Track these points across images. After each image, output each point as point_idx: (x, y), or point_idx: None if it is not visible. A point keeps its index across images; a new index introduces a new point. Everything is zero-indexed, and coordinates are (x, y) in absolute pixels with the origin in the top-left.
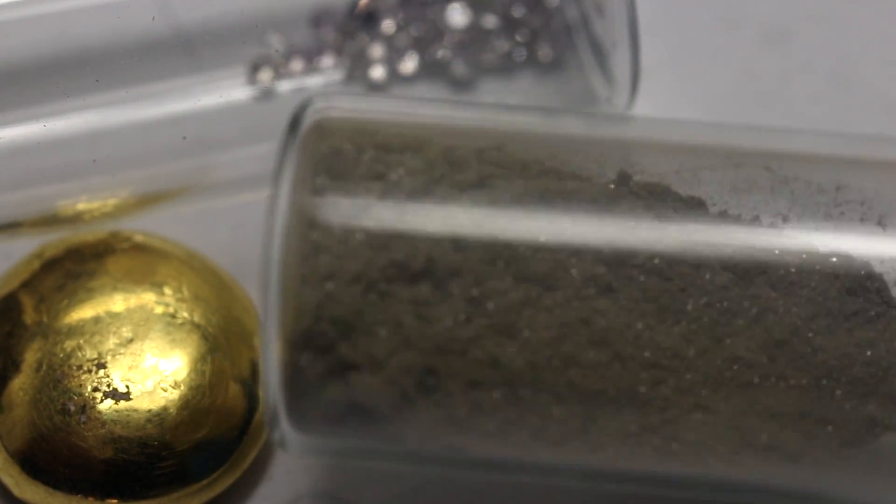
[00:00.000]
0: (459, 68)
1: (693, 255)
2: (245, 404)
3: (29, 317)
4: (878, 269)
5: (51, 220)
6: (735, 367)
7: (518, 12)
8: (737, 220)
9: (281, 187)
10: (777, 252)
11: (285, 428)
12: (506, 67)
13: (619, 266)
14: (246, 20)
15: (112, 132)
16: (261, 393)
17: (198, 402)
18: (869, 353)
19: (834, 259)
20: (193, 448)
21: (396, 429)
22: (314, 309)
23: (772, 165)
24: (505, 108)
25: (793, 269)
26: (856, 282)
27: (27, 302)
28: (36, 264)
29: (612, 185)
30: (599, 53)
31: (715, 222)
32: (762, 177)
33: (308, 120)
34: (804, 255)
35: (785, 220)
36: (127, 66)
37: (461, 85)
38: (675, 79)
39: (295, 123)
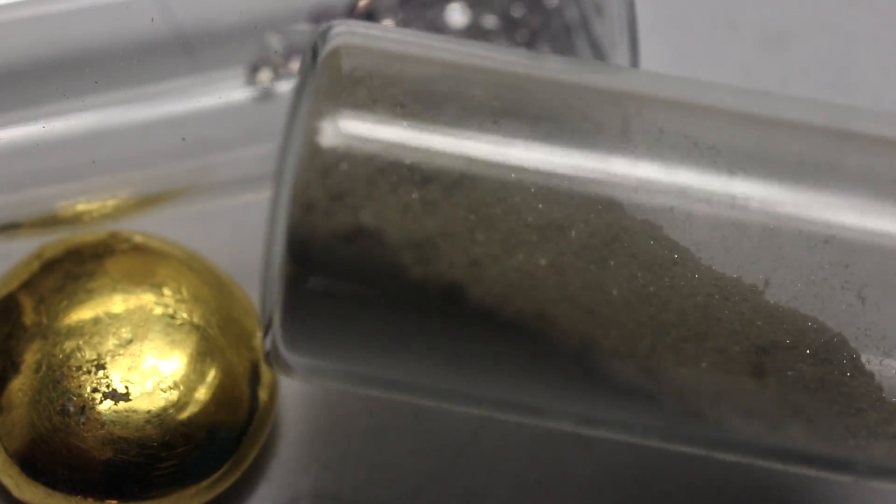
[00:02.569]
0: None
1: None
2: (245, 405)
3: (28, 318)
4: (853, 344)
5: (50, 221)
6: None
7: (518, 12)
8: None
9: (301, 102)
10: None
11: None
12: None
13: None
14: (245, 20)
15: (111, 133)
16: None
17: (197, 403)
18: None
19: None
20: (193, 449)
21: (399, 258)
22: (322, 178)
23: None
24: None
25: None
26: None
27: (26, 303)
28: (35, 265)
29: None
30: (599, 54)
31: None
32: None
33: (330, 43)
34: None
35: (767, 283)
36: (126, 67)
37: None
38: None
39: (316, 47)
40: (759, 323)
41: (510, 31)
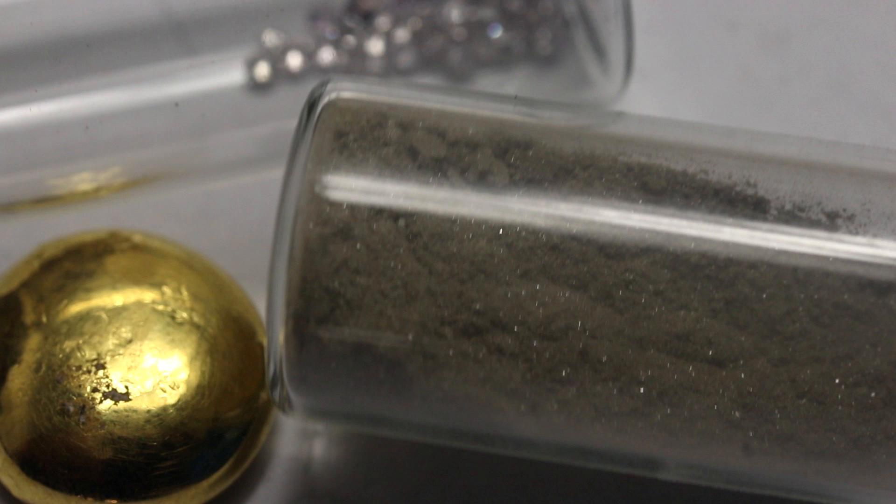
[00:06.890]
0: (457, 62)
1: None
2: (245, 405)
3: (28, 317)
4: None
5: (44, 202)
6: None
7: (515, 5)
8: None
9: (298, 161)
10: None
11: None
12: (502, 61)
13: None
14: (243, 15)
15: (107, 115)
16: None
17: (197, 403)
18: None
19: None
20: (193, 449)
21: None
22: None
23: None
24: (527, 105)
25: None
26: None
27: (26, 302)
28: (35, 264)
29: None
30: (597, 46)
31: None
32: None
33: (325, 99)
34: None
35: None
36: (124, 63)
37: (458, 78)
38: (673, 80)
39: (313, 103)
40: None
41: (507, 24)
